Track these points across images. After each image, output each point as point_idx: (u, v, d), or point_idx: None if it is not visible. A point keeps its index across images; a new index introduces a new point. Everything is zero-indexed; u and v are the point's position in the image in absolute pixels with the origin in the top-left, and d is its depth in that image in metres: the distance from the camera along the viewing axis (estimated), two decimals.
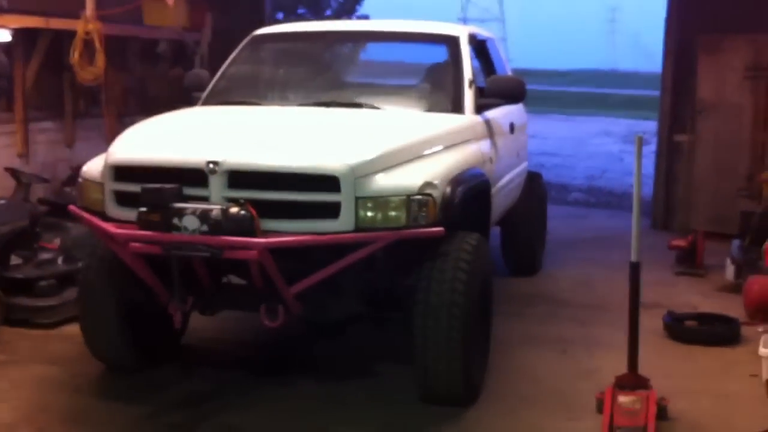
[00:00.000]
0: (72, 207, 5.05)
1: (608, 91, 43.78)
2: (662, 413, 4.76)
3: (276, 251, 4.30)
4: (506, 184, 6.64)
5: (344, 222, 4.40)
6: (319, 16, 22.36)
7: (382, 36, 6.93)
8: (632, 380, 4.75)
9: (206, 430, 4.69)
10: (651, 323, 6.21)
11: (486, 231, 5.57)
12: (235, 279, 5.01)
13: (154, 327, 5.35)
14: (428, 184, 4.56)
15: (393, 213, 4.45)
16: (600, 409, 4.77)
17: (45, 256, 6.65)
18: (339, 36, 7.02)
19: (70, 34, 8.33)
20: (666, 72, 10.46)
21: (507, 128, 6.71)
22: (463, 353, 4.69)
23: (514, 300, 7.06)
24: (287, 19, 21.47)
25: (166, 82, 10.57)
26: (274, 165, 4.45)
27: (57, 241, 6.75)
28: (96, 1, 8.42)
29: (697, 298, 7.40)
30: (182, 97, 10.45)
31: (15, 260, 6.51)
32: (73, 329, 6.14)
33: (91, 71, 8.37)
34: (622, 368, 4.85)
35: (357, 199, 4.40)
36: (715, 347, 6.08)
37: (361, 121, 5.28)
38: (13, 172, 7.35)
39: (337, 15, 22.77)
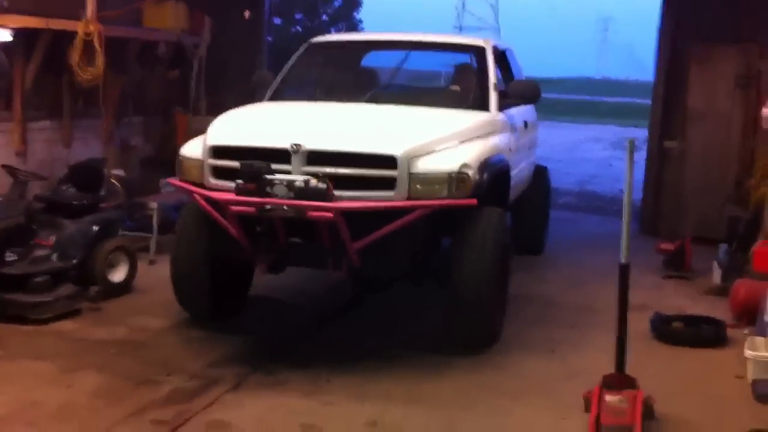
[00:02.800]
0: (171, 180, 6.34)
1: (599, 99, 43.95)
2: (649, 412, 4.84)
3: (346, 214, 5.27)
4: (520, 170, 7.68)
5: (399, 193, 5.48)
6: (315, 21, 22.48)
7: (421, 45, 8.22)
8: (619, 380, 4.81)
9: (192, 427, 4.74)
10: (638, 325, 6.29)
11: (506, 207, 6.48)
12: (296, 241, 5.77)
13: (231, 283, 6.40)
14: (465, 165, 5.64)
15: (437, 186, 5.55)
16: (587, 408, 4.85)
17: (40, 252, 6.69)
18: (384, 44, 8.42)
19: (70, 35, 8.39)
20: (658, 81, 10.60)
21: (522, 125, 7.77)
22: (489, 303, 5.77)
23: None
24: (285, 24, 21.64)
25: (164, 83, 10.65)
26: (345, 148, 5.56)
27: (52, 238, 6.78)
28: (96, 3, 8.49)
29: (684, 300, 7.51)
30: (179, 98, 10.64)
31: (10, 256, 6.55)
32: (67, 325, 6.25)
33: (90, 72, 8.41)
34: (610, 368, 4.91)
35: (410, 175, 5.49)
36: (701, 349, 6.19)
37: (409, 115, 6.39)
38: (10, 170, 7.41)
39: (333, 21, 22.90)
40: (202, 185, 5.84)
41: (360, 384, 5.38)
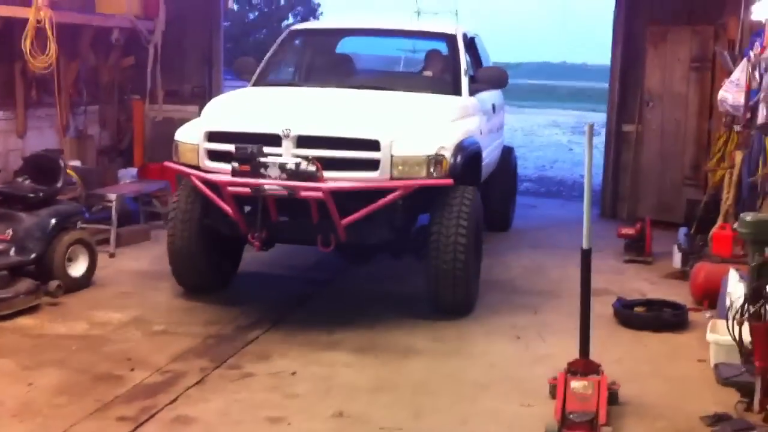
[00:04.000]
0: (168, 163, 6.65)
1: (557, 83, 44.26)
2: (613, 398, 4.88)
3: (334, 193, 5.74)
4: (490, 151, 8.14)
5: (382, 173, 5.97)
6: (273, 5, 22.26)
7: (395, 32, 9.02)
8: (584, 366, 4.84)
9: (157, 423, 4.68)
10: (601, 310, 6.35)
11: (478, 185, 6.90)
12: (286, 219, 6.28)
13: (223, 258, 6.85)
14: (442, 148, 6.15)
15: (417, 167, 6.03)
16: (553, 394, 4.88)
17: None
18: (361, 32, 9.01)
19: (21, 22, 8.19)
20: (614, 63, 10.66)
21: (491, 108, 8.31)
22: (465, 273, 6.20)
23: None
24: (242, 9, 21.40)
25: (119, 71, 10.47)
26: (332, 133, 6.02)
27: (9, 232, 6.63)
28: None
29: (646, 284, 7.59)
30: (135, 86, 10.47)
31: None
32: (26, 321, 6.13)
33: (42, 60, 8.24)
34: (574, 354, 4.94)
35: (392, 157, 5.96)
36: (663, 333, 6.24)
37: (389, 100, 6.78)
38: None
39: (290, 6, 22.70)
40: (197, 167, 6.24)
41: (324, 375, 5.35)
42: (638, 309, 6.55)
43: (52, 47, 8.22)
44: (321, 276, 7.62)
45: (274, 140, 5.95)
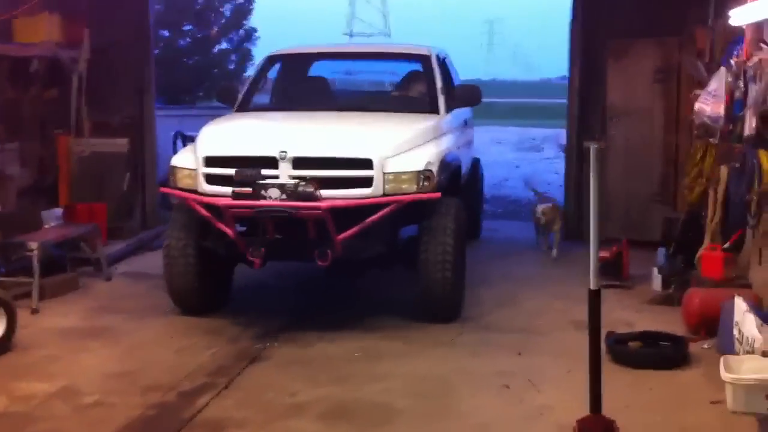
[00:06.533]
0: (164, 188, 6.90)
1: (492, 100, 44.24)
2: None
3: (331, 210, 6.00)
4: (464, 163, 8.38)
5: (376, 190, 6.28)
6: (205, 31, 21.50)
7: (372, 55, 9.77)
8: (597, 424, 4.13)
9: None
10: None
11: (458, 196, 7.13)
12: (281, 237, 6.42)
13: (217, 279, 6.96)
14: (430, 164, 6.50)
15: (408, 183, 6.36)
16: None
17: None
18: (338, 55, 9.57)
19: None
20: (573, 78, 10.15)
21: (463, 123, 8.70)
22: (453, 279, 6.55)
23: (441, 325, 6.56)
24: (173, 36, 20.64)
25: (41, 103, 9.58)
26: (327, 153, 6.35)
27: None
28: None
29: (629, 312, 6.97)
30: (59, 119, 9.59)
31: None
32: None
33: None
34: (574, 403, 4.32)
35: (384, 174, 6.29)
36: (664, 370, 5.60)
37: (376, 121, 7.17)
38: None
39: (225, 30, 21.97)
40: (194, 191, 6.42)
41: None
42: (633, 344, 5.91)
43: None
44: (277, 323, 6.81)
45: (271, 162, 6.20)
